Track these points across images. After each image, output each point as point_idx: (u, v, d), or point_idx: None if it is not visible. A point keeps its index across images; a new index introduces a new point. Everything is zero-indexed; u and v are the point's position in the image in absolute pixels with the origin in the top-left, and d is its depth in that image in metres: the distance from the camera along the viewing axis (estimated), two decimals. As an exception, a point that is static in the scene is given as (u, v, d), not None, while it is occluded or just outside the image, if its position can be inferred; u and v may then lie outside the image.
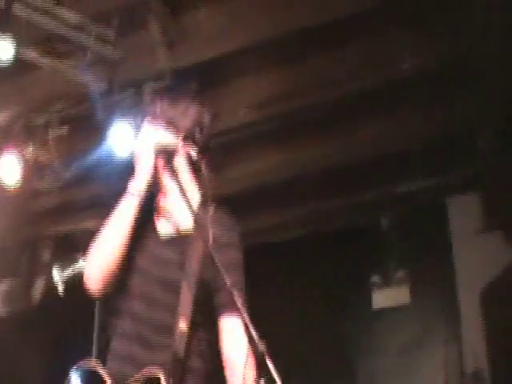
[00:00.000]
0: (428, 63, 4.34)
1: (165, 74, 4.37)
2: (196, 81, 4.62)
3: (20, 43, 3.95)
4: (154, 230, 2.28)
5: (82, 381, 2.18)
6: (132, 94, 4.34)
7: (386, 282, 5.84)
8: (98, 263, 2.19)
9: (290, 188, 5.42)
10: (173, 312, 2.16)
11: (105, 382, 2.15)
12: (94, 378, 2.17)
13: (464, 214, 5.52)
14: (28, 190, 5.11)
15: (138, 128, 2.26)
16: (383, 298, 5.85)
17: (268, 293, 5.93)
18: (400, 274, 5.79)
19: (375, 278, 5.89)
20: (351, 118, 4.98)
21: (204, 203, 2.22)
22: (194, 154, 2.21)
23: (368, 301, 5.84)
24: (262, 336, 1.80)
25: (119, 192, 2.20)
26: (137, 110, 4.27)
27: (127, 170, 2.24)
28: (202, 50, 4.49)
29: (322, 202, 5.76)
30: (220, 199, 2.30)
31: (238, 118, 5.04)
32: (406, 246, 5.71)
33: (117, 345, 2.24)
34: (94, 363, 2.19)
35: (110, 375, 2.15)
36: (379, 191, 5.55)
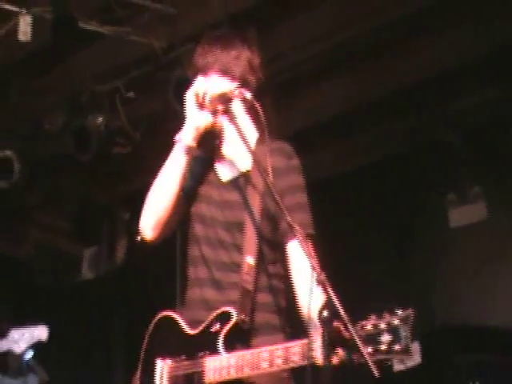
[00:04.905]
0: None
1: (222, 21, 4.36)
2: (252, 25, 4.60)
3: (80, 14, 4.00)
4: (216, 176, 2.37)
5: (161, 328, 2.30)
6: (193, 48, 4.34)
7: (462, 199, 5.76)
8: (150, 213, 2.29)
9: (357, 114, 5.39)
10: (241, 251, 2.24)
11: (182, 327, 2.25)
12: (171, 326, 2.27)
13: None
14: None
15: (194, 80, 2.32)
16: (460, 216, 5.78)
17: (343, 220, 5.95)
18: (476, 189, 5.69)
19: (451, 196, 5.82)
20: (412, 38, 4.87)
21: (261, 139, 2.28)
22: (249, 96, 2.26)
23: (445, 219, 5.79)
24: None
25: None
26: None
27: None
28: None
29: (389, 125, 5.71)
30: (282, 135, 2.37)
31: (297, 54, 5.03)
32: (479, 161, 5.60)
33: (191, 292, 2.34)
34: (171, 312, 2.31)
35: (186, 322, 2.26)
36: (448, 107, 5.44)
